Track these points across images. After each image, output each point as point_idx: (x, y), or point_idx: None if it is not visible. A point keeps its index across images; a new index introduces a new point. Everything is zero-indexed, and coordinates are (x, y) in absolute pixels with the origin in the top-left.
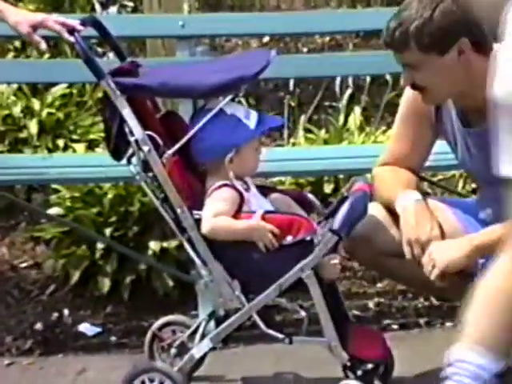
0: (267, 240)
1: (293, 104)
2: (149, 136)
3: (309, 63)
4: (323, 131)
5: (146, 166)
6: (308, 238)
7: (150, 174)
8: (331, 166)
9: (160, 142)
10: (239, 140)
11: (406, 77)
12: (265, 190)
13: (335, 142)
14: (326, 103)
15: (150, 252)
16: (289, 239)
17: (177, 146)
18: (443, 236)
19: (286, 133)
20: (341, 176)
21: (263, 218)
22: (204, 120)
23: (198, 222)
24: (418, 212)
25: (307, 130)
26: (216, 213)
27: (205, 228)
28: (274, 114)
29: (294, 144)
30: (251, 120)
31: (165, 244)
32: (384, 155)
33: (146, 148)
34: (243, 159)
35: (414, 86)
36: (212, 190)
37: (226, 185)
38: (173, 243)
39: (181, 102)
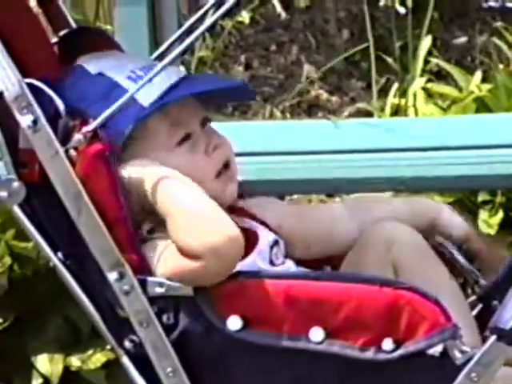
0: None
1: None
2: (32, 89)
3: None
4: (477, 75)
5: (24, 166)
6: (437, 351)
7: (37, 186)
8: (496, 167)
9: (60, 104)
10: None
11: None
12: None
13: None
14: (490, 3)
15: (34, 382)
16: (387, 347)
17: (102, 117)
18: None
19: (374, 83)
20: None
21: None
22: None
23: (154, 301)
24: None
25: (435, 74)
26: None
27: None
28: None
29: (396, 109)
30: (149, 85)
31: (74, 361)
32: None
33: (26, 119)
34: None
35: None
36: None
37: None
38: (94, 360)
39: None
